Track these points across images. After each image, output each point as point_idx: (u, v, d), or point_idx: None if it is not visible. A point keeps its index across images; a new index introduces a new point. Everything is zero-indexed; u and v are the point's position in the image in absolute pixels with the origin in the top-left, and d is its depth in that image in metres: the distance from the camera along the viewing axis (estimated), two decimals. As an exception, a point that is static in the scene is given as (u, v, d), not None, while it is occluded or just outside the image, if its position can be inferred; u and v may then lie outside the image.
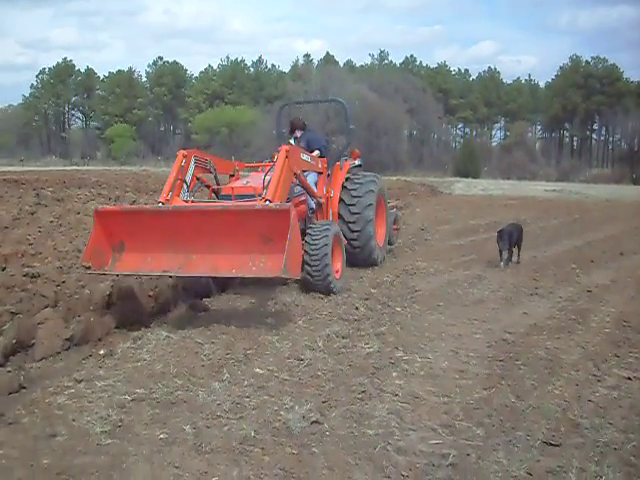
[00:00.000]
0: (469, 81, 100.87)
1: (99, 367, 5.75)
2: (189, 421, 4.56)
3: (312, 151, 10.05)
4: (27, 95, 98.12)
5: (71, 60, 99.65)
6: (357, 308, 7.94)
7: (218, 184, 9.27)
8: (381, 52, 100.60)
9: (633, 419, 4.78)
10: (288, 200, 7.94)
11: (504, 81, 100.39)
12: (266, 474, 3.88)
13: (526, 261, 11.67)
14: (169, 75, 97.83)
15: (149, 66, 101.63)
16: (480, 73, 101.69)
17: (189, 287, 8.35)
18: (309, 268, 8.39)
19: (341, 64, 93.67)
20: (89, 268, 6.97)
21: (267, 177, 7.88)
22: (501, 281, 9.92)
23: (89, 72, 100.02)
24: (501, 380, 5.55)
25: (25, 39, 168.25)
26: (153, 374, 5.53)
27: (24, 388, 5.22)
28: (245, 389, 5.20)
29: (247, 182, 9.08)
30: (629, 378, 5.66)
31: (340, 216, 10.40)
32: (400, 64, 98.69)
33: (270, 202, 7.18)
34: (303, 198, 9.59)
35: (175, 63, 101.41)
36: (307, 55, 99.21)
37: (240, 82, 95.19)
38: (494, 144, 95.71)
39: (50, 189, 18.83)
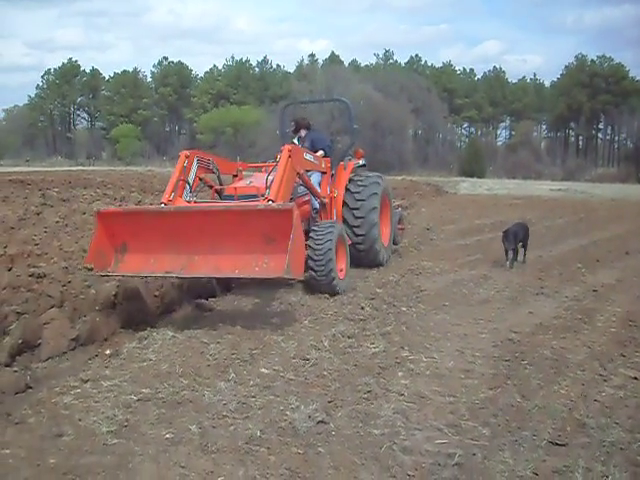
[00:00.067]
0: (474, 80, 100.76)
1: (105, 367, 5.76)
2: (195, 421, 4.57)
3: (316, 151, 10.00)
4: (33, 96, 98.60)
5: (76, 60, 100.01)
6: (363, 308, 7.94)
7: (221, 184, 9.24)
8: (386, 52, 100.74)
9: (639, 419, 4.76)
10: (291, 200, 7.93)
11: (509, 80, 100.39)
12: (272, 474, 3.88)
13: (532, 260, 11.65)
14: (174, 75, 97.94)
15: (154, 66, 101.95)
16: (485, 72, 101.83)
17: (192, 288, 8.32)
18: (313, 268, 8.39)
19: (346, 64, 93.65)
20: (92, 269, 6.97)
21: (270, 177, 7.87)
22: (507, 281, 9.90)
23: (94, 72, 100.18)
24: (507, 380, 5.54)
25: (31, 40, 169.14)
26: (159, 374, 5.54)
27: (30, 388, 5.24)
28: (251, 389, 5.20)
29: (250, 182, 9.05)
30: (635, 378, 5.64)
31: (344, 220, 10.33)
32: (405, 64, 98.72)
33: (273, 202, 7.17)
34: (307, 198, 9.55)
35: (180, 63, 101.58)
36: (312, 55, 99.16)
37: (245, 82, 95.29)
38: (499, 143, 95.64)
39: (56, 189, 18.86)
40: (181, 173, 8.12)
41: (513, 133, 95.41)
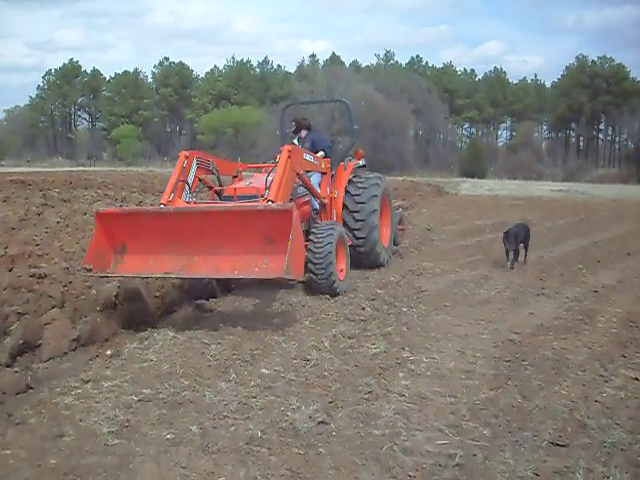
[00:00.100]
0: (475, 81, 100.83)
1: (106, 367, 5.77)
2: (196, 421, 4.57)
3: (316, 152, 9.95)
4: (33, 96, 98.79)
5: (77, 61, 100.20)
6: (363, 308, 7.94)
7: (221, 185, 9.21)
8: (387, 52, 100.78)
9: (640, 419, 4.77)
10: (291, 200, 7.92)
11: (510, 81, 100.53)
12: (273, 474, 3.88)
13: (532, 261, 11.65)
14: (175, 76, 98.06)
15: (155, 67, 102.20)
16: (486, 73, 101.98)
17: (192, 289, 8.31)
18: (313, 269, 8.38)
19: (347, 64, 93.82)
20: (90, 270, 6.93)
21: (269, 178, 7.85)
22: (507, 281, 9.90)
23: (95, 73, 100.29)
24: (508, 380, 5.54)
25: (32, 40, 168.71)
26: (160, 374, 5.54)
27: (31, 388, 5.24)
28: (252, 389, 5.20)
29: (250, 183, 9.03)
30: (636, 378, 5.64)
31: (345, 223, 10.26)
32: (406, 64, 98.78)
33: (272, 202, 7.15)
34: (307, 199, 9.51)
35: (181, 64, 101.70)
36: (313, 55, 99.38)
37: (246, 82, 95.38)
38: (500, 144, 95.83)
39: (56, 190, 18.85)
40: (180, 174, 8.09)
41: (514, 134, 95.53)
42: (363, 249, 10.41)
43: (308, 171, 9.15)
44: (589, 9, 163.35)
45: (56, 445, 4.24)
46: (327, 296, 8.42)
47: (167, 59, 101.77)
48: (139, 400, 4.97)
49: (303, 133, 10.62)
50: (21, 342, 5.75)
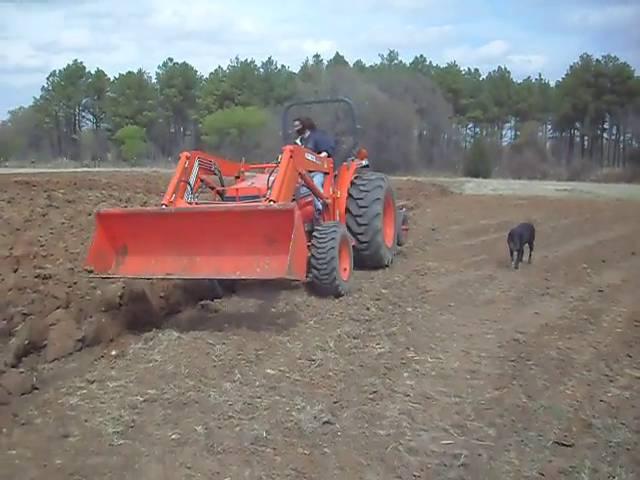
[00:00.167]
0: (479, 81, 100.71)
1: (111, 368, 5.77)
2: (201, 421, 4.58)
3: (319, 152, 9.93)
4: (38, 97, 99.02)
5: (82, 62, 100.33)
6: (368, 308, 7.93)
7: (223, 186, 9.20)
8: (390, 52, 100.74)
9: (646, 419, 4.76)
10: (294, 201, 7.88)
11: (514, 80, 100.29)
12: (278, 474, 3.88)
13: (537, 261, 11.63)
14: (179, 76, 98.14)
15: (159, 67, 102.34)
16: (490, 73, 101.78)
17: (196, 289, 8.30)
18: (316, 271, 8.36)
19: (351, 64, 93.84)
20: (92, 272, 6.90)
21: (271, 178, 7.84)
22: (512, 281, 9.89)
23: (99, 74, 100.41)
24: (512, 380, 5.54)
25: (36, 42, 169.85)
26: (165, 375, 5.55)
27: (37, 389, 5.25)
28: (256, 389, 5.21)
29: (252, 183, 9.01)
30: (641, 378, 5.64)
31: (348, 227, 10.13)
32: (410, 64, 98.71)
33: (274, 202, 7.12)
34: (309, 199, 9.45)
35: (185, 64, 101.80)
36: (317, 55, 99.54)
37: (250, 83, 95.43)
38: (504, 144, 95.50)
39: (61, 191, 18.84)
40: (182, 174, 8.08)
41: (518, 133, 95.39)
42: (367, 252, 10.39)
43: (311, 171, 9.13)
44: (593, 8, 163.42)
45: (62, 445, 4.25)
46: (331, 296, 8.42)
47: (171, 60, 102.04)
48: (144, 400, 4.98)
49: (306, 133, 10.57)
50: (26, 343, 5.76)
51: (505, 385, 5.42)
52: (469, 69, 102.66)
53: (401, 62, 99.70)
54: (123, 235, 7.19)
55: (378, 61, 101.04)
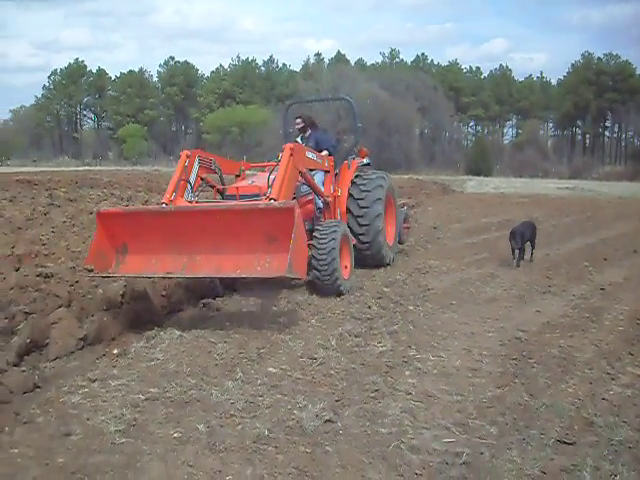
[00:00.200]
0: (480, 79, 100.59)
1: (113, 366, 5.78)
2: (203, 420, 4.58)
3: (320, 151, 9.88)
4: (39, 96, 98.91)
5: (83, 61, 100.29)
6: (370, 307, 7.94)
7: (223, 184, 9.17)
8: (392, 50, 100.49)
9: (647, 417, 4.76)
10: (294, 199, 7.86)
11: (516, 79, 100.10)
12: (280, 473, 3.88)
13: (539, 259, 11.62)
14: (180, 75, 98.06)
15: (160, 66, 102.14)
16: (492, 71, 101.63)
17: (197, 288, 8.29)
18: (317, 270, 8.33)
19: (352, 63, 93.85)
20: (92, 271, 6.87)
21: (272, 176, 7.81)
22: (514, 279, 9.89)
23: (100, 72, 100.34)
24: (514, 378, 5.54)
25: (37, 40, 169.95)
26: (166, 373, 5.55)
27: (39, 387, 5.25)
28: (258, 388, 5.21)
29: (252, 182, 8.99)
30: (643, 376, 5.63)
31: (349, 227, 10.03)
32: (411, 62, 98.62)
33: (275, 201, 7.09)
34: (310, 197, 9.43)
35: (186, 63, 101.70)
36: (318, 54, 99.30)
37: (251, 81, 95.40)
38: (506, 142, 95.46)
39: (63, 189, 18.88)
40: (182, 173, 8.06)
41: (520, 131, 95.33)
42: (368, 253, 10.37)
43: (312, 169, 9.11)
44: (594, 6, 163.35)
45: (64, 444, 4.25)
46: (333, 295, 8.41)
47: (172, 58, 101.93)
48: (146, 399, 4.98)
49: (307, 131, 10.51)
50: (28, 341, 5.77)
51: (507, 383, 5.42)
52: (470, 67, 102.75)
53: (402, 60, 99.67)
54: (123, 234, 7.16)
55: (379, 59, 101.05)
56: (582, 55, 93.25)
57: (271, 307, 8.00)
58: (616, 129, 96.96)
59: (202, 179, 8.60)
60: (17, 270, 7.52)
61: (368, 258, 10.39)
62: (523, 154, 69.70)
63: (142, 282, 7.39)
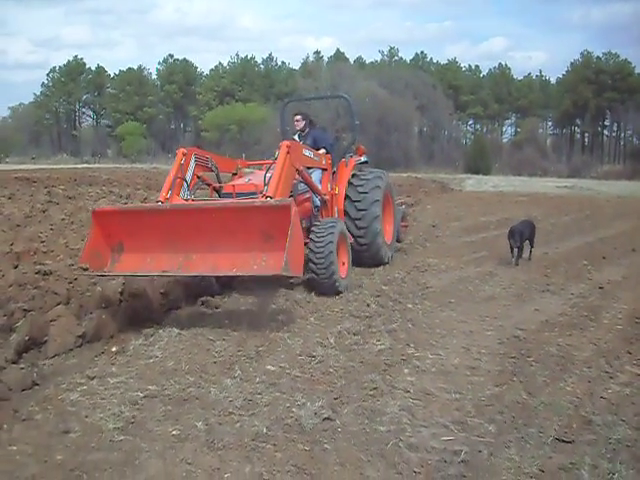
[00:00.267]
0: (480, 77, 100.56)
1: (111, 364, 5.78)
2: (201, 418, 4.58)
3: (318, 149, 9.83)
4: (38, 93, 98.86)
5: (82, 58, 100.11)
6: (368, 305, 7.94)
7: (220, 182, 9.15)
8: (391, 48, 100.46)
9: (646, 416, 4.76)
10: (291, 197, 7.82)
11: (515, 77, 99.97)
12: (278, 470, 3.88)
13: (537, 258, 11.62)
14: (179, 73, 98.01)
15: (159, 64, 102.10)
16: (491, 69, 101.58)
17: (194, 286, 8.24)
18: (314, 267, 8.30)
19: (351, 61, 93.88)
20: (87, 269, 6.83)
21: (268, 174, 7.76)
22: (512, 278, 9.89)
23: (100, 70, 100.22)
24: (513, 377, 5.54)
25: (36, 38, 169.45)
26: (165, 371, 5.56)
27: (37, 385, 5.25)
28: (257, 386, 5.21)
29: (249, 180, 8.96)
30: (642, 375, 5.64)
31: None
32: (410, 60, 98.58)
33: (271, 199, 7.03)
34: (308, 195, 9.38)
35: (185, 61, 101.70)
36: (317, 52, 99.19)
37: (250, 79, 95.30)
38: (505, 140, 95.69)
39: (61, 187, 18.85)
40: (178, 171, 7.99)
41: (519, 130, 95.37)
42: (367, 254, 10.31)
43: (309, 168, 9.09)
44: (594, 5, 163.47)
45: (62, 441, 4.26)
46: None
47: (171, 56, 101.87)
48: (145, 396, 4.98)
49: (305, 129, 10.44)
50: (27, 339, 5.76)
51: (505, 382, 5.42)
52: (469, 65, 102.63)
53: (401, 58, 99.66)
54: (119, 232, 7.11)
55: (378, 57, 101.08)
56: (581, 54, 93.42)
57: (270, 305, 8.00)
58: (615, 128, 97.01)
59: (198, 177, 8.53)
60: (16, 267, 7.52)
61: (366, 258, 10.36)
62: (522, 153, 69.82)
63: (140, 280, 7.37)
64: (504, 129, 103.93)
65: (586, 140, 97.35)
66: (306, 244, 7.89)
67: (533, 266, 10.93)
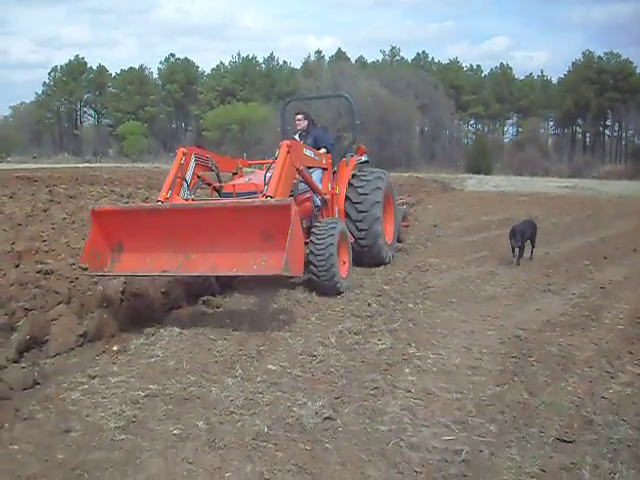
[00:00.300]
0: (481, 77, 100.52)
1: (112, 363, 5.78)
2: (202, 417, 4.58)
3: (319, 149, 9.78)
4: (40, 93, 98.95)
5: (83, 58, 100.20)
6: (369, 304, 7.94)
7: (220, 182, 9.12)
8: (392, 48, 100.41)
9: (647, 416, 4.76)
10: (292, 197, 7.79)
11: (516, 77, 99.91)
12: (279, 470, 3.89)
13: (539, 257, 11.62)
14: (181, 72, 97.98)
15: (161, 63, 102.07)
16: (492, 69, 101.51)
17: (195, 286, 8.23)
18: (315, 268, 8.27)
19: (353, 60, 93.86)
20: (86, 269, 6.80)
21: (268, 174, 7.73)
22: (514, 277, 9.88)
23: (101, 69, 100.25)
24: (514, 376, 5.53)
25: (38, 37, 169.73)
26: (166, 370, 5.56)
27: (38, 384, 5.25)
28: (258, 385, 5.21)
29: (249, 179, 8.92)
30: (643, 375, 5.63)
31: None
32: (412, 60, 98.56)
33: (271, 198, 6.99)
34: (308, 195, 9.36)
35: (187, 60, 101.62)
36: (318, 51, 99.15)
37: (251, 79, 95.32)
38: (506, 140, 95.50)
39: (63, 186, 18.87)
40: (178, 170, 7.96)
41: (520, 130, 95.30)
42: (368, 255, 10.31)
43: (310, 167, 9.08)
44: (595, 5, 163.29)
45: (63, 440, 4.26)
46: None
47: (173, 55, 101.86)
48: (146, 396, 4.98)
49: (306, 129, 10.41)
50: (28, 338, 5.77)
51: (506, 381, 5.42)
52: (471, 65, 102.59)
53: (403, 58, 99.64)
54: (118, 232, 7.07)
55: (380, 57, 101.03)
56: (583, 53, 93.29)
57: (271, 304, 8.00)
58: (616, 128, 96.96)
59: (199, 177, 8.50)
60: (17, 267, 7.53)
61: (367, 258, 10.35)
62: (523, 152, 69.78)
63: (142, 279, 7.37)
64: (505, 129, 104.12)
65: (587, 140, 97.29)
66: (306, 244, 7.88)
67: (534, 266, 10.93)
